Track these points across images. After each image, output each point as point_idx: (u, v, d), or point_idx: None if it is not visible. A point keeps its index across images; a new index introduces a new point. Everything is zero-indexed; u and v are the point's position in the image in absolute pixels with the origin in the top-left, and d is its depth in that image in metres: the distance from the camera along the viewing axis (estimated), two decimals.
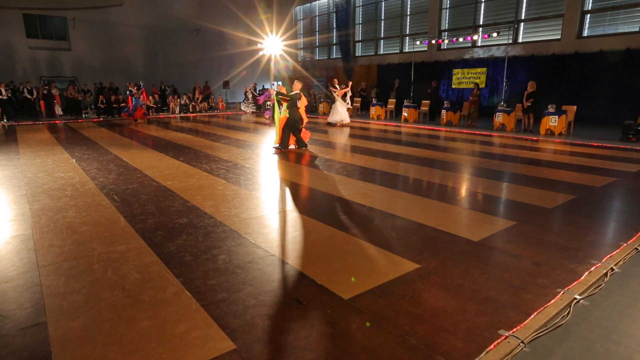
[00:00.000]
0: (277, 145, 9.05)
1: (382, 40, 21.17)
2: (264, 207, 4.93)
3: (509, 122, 12.22)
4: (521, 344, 2.27)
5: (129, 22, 21.35)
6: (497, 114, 12.50)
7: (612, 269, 3.19)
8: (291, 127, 8.81)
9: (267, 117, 16.57)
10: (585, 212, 4.65)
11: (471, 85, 15.06)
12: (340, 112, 14.41)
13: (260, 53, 21.57)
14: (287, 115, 8.74)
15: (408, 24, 19.70)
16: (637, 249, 3.58)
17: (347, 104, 15.01)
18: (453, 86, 17.47)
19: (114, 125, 14.74)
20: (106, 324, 2.50)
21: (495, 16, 16.13)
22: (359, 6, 21.97)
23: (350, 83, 15.24)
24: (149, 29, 22.06)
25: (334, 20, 22.91)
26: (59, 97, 17.45)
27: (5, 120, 15.27)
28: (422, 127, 13.61)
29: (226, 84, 22.19)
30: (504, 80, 14.03)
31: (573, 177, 6.37)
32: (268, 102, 16.63)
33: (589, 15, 13.72)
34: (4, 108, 15.35)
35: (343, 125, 14.23)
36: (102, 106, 17.77)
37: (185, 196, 5.32)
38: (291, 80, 24.98)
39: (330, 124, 14.48)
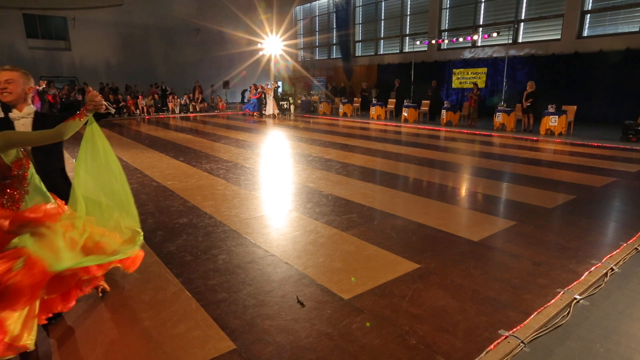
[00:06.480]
0: None
1: (382, 40, 21.15)
2: (264, 207, 4.93)
3: (509, 122, 12.21)
4: (521, 344, 2.27)
5: (129, 22, 21.33)
6: (497, 114, 12.49)
7: (612, 269, 3.19)
8: None
9: (249, 111, 19.21)
10: (585, 212, 4.65)
11: (471, 86, 15.06)
12: (272, 105, 17.72)
13: (260, 53, 21.63)
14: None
15: (408, 24, 19.68)
16: (637, 249, 3.58)
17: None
18: (453, 86, 17.46)
19: (113, 125, 14.73)
20: (106, 324, 2.50)
21: (495, 16, 16.12)
22: (359, 6, 21.95)
23: (275, 84, 18.91)
24: (149, 29, 22.05)
25: (334, 20, 22.89)
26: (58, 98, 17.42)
27: None
28: (422, 127, 13.61)
29: (226, 84, 22.16)
30: (504, 80, 14.02)
31: (573, 177, 6.37)
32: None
33: (589, 15, 13.70)
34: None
35: (274, 117, 17.47)
36: None
37: (185, 196, 5.32)
38: (291, 80, 24.92)
39: (264, 116, 17.69)
